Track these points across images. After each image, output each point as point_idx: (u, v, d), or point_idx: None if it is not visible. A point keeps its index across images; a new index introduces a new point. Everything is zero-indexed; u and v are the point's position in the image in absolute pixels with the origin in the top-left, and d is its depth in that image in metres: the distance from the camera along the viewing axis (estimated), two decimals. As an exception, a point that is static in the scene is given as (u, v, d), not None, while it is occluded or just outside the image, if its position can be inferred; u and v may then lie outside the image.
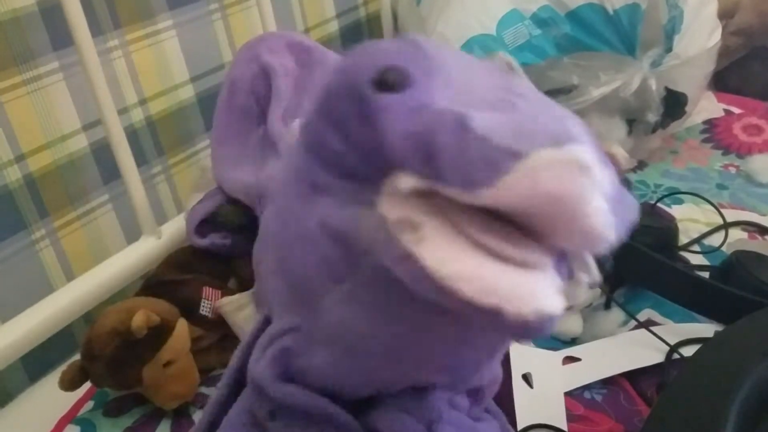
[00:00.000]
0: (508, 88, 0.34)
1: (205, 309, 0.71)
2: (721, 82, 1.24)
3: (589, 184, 0.29)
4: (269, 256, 0.46)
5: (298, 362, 0.42)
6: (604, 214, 0.30)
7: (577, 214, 0.29)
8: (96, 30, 0.79)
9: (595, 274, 0.36)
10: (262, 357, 0.43)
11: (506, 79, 0.36)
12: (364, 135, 0.33)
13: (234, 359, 0.48)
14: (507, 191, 0.29)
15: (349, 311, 0.38)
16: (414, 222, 0.31)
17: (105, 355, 0.66)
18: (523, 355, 0.70)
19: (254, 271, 0.55)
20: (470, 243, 0.30)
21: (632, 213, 0.36)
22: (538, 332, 0.30)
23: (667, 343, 0.68)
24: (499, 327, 0.30)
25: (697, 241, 0.88)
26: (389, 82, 0.32)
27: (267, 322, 0.47)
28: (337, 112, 0.35)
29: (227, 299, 0.67)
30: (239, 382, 0.46)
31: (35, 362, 0.79)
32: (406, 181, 0.31)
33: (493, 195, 0.29)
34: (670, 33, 0.97)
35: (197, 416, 0.70)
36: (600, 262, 0.37)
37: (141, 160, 0.89)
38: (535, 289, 0.30)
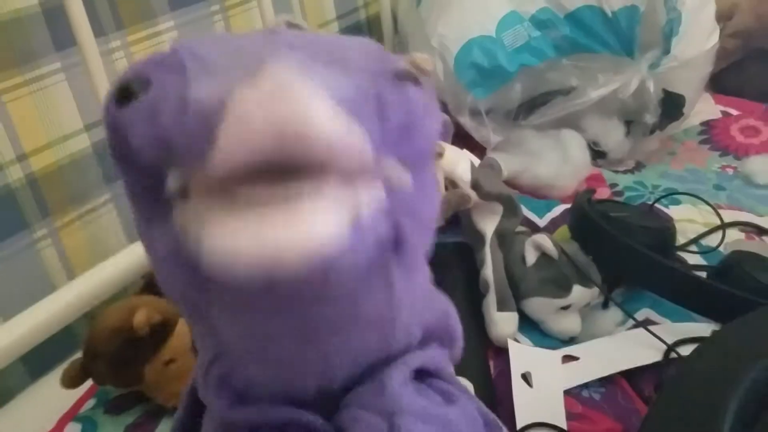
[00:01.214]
0: (268, 40, 0.32)
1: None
2: (719, 83, 1.24)
3: (298, 102, 0.27)
4: None
5: (238, 382, 0.40)
6: (333, 124, 0.28)
7: (305, 136, 0.27)
8: (98, 30, 0.79)
9: (403, 179, 0.34)
10: (208, 390, 0.42)
11: (271, 36, 0.33)
12: (125, 156, 0.32)
13: (190, 381, 0.47)
14: (229, 147, 0.28)
15: (229, 327, 0.37)
16: (189, 222, 0.30)
17: (107, 353, 0.66)
18: (522, 355, 0.70)
19: None
20: (238, 211, 0.29)
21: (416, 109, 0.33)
22: (335, 261, 0.28)
23: (665, 343, 0.68)
24: (302, 283, 0.28)
25: (695, 241, 0.88)
26: (129, 92, 0.31)
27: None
28: (109, 145, 0.33)
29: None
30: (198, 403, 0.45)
31: (36, 361, 0.78)
32: (171, 182, 0.30)
33: (221, 157, 0.28)
34: (668, 35, 0.97)
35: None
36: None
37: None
38: (300, 226, 0.28)
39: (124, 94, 0.31)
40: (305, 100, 0.28)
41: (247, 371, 0.40)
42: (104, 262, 0.78)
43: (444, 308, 0.46)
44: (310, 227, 0.28)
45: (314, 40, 0.34)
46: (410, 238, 0.35)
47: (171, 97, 0.30)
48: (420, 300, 0.43)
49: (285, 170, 0.29)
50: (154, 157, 0.30)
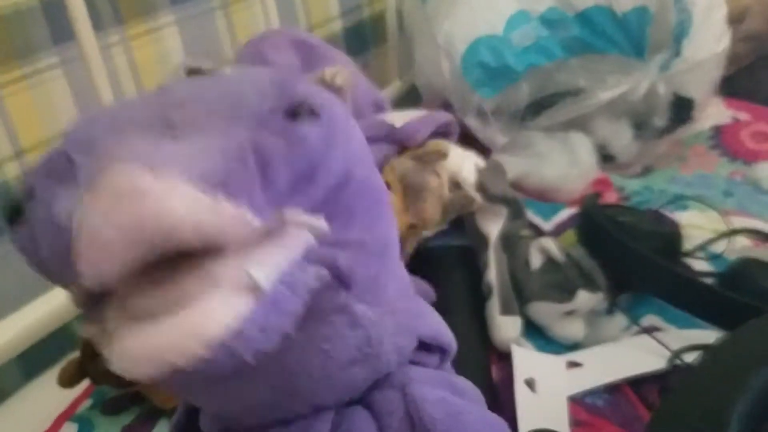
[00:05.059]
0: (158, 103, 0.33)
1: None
2: (729, 88, 1.23)
3: (146, 197, 0.27)
4: None
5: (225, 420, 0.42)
6: (192, 205, 0.28)
7: (165, 228, 0.27)
8: (97, 25, 0.78)
9: (317, 225, 0.33)
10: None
11: (162, 98, 0.34)
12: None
13: None
14: (89, 261, 0.28)
15: (205, 400, 0.41)
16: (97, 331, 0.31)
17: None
18: (526, 360, 0.70)
19: None
20: (133, 320, 0.30)
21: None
22: (233, 353, 0.29)
23: (670, 349, 0.67)
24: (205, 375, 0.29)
25: (702, 247, 0.87)
26: (17, 210, 0.33)
27: None
28: None
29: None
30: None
31: (33, 359, 0.78)
32: (72, 296, 0.33)
33: (85, 273, 0.29)
34: (678, 37, 0.96)
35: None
36: None
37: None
38: (191, 328, 0.28)
39: (13, 213, 0.32)
40: (154, 192, 0.27)
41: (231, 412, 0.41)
42: (102, 260, 0.76)
43: (439, 323, 0.48)
44: (202, 325, 0.28)
45: (207, 86, 0.34)
46: (355, 270, 0.35)
47: (43, 217, 0.31)
48: (404, 313, 0.43)
49: (174, 259, 0.29)
50: (54, 276, 0.32)
